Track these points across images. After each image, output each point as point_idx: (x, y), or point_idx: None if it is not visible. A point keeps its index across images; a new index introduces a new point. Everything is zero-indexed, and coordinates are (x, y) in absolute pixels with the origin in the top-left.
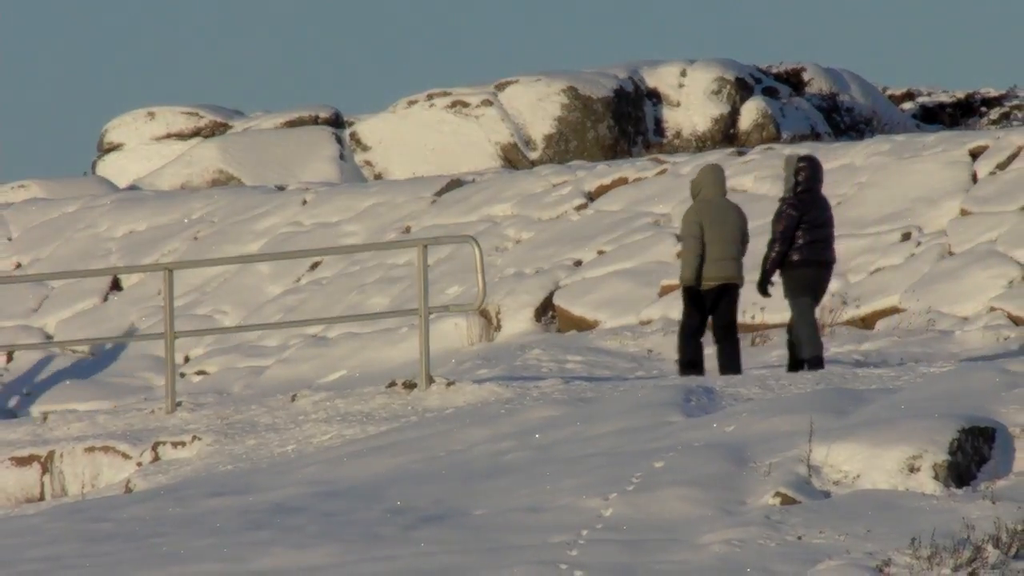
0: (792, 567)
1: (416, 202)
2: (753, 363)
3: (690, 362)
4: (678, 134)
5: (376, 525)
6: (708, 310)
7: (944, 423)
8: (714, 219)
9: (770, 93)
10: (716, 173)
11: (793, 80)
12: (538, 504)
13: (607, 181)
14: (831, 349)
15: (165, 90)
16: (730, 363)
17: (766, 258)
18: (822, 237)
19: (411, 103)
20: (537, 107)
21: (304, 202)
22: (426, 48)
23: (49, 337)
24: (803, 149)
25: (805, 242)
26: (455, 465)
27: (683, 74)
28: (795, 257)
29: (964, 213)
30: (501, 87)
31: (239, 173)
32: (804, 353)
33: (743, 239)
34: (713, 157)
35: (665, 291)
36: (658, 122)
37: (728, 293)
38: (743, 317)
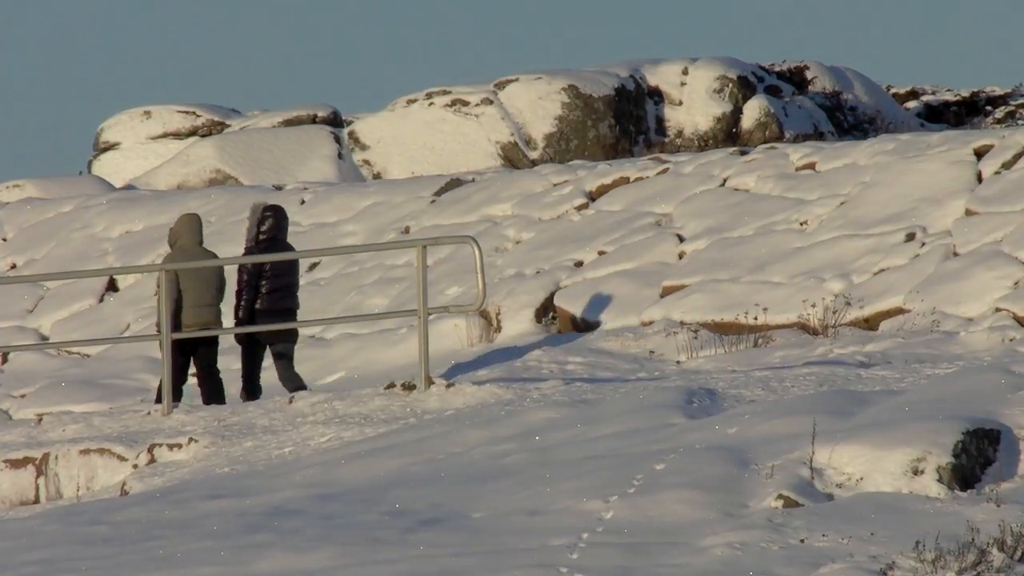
0: (795, 570)
1: (415, 202)
2: (756, 364)
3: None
4: (680, 133)
5: (375, 528)
6: (187, 354)
7: (948, 425)
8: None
9: (773, 92)
10: (192, 222)
11: (796, 78)
12: (538, 507)
13: (608, 181)
14: (835, 351)
15: (161, 89)
16: (214, 401)
17: (235, 307)
18: (283, 285)
19: (410, 102)
20: (537, 106)
21: (302, 202)
22: (425, 46)
23: (44, 338)
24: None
25: (267, 291)
26: (454, 467)
27: (685, 72)
28: (258, 306)
29: (969, 213)
30: (501, 86)
31: (236, 172)
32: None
33: (220, 285)
34: (715, 156)
35: (667, 292)
36: (660, 121)
37: (205, 339)
38: (745, 318)
